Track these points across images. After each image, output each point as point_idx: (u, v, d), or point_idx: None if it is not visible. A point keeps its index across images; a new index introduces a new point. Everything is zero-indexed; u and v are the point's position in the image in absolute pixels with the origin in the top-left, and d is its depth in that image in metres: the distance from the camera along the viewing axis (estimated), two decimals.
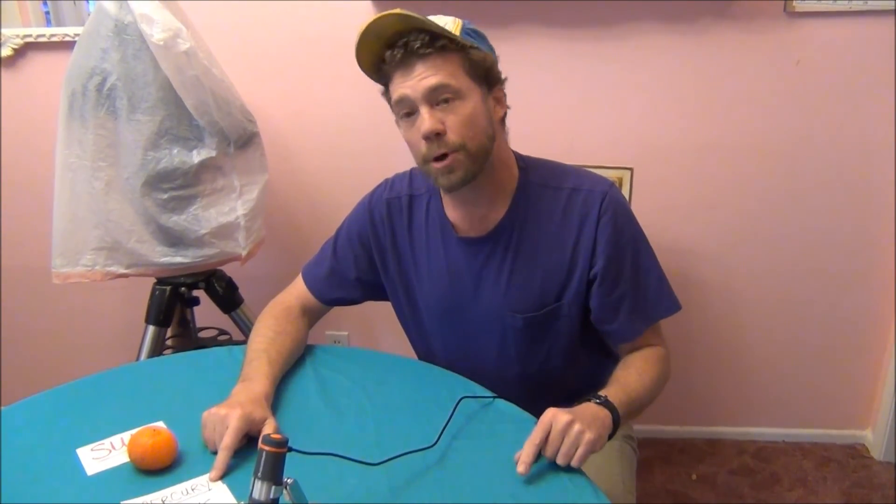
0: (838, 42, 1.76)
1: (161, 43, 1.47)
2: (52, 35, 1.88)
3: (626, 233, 1.20)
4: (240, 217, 1.67)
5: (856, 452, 2.12)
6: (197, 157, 1.59)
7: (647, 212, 1.50)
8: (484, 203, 1.20)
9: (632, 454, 1.34)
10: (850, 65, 1.78)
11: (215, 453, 0.99)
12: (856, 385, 2.10)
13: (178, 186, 1.60)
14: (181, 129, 1.57)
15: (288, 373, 1.22)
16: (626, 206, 1.22)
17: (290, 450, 0.84)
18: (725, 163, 1.89)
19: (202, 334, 1.99)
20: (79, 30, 1.72)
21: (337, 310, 1.39)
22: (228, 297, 1.82)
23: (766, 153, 1.88)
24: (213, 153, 1.60)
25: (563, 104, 1.88)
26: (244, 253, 1.69)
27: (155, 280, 1.77)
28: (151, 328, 1.75)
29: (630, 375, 1.16)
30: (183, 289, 1.78)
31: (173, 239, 1.63)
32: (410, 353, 1.40)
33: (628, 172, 1.75)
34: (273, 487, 0.82)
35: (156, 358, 1.64)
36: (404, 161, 1.27)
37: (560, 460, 0.97)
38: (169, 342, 1.88)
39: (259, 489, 0.82)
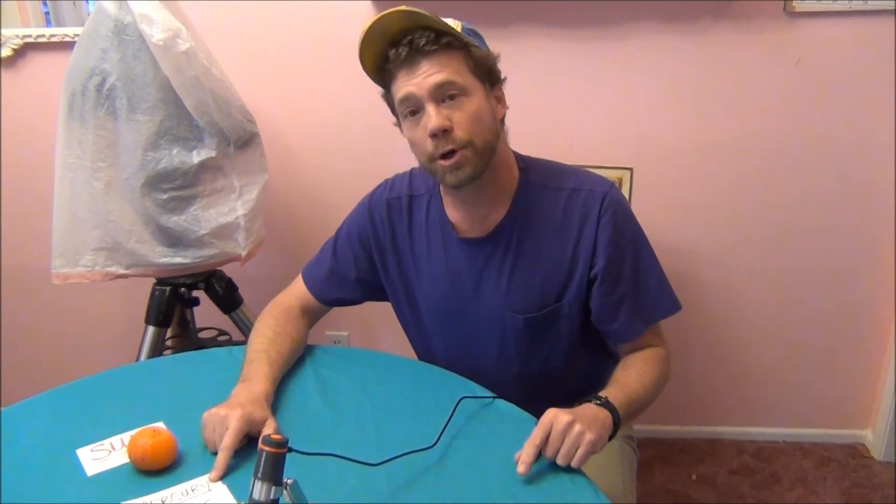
0: (838, 42, 1.76)
1: (161, 43, 1.47)
2: (52, 35, 1.88)
3: (627, 233, 1.20)
4: (240, 217, 1.67)
5: (856, 452, 2.12)
6: (197, 157, 1.59)
7: (647, 212, 1.50)
8: (485, 203, 1.20)
9: (632, 454, 1.34)
10: (850, 65, 1.78)
11: (215, 454, 0.99)
12: (856, 385, 2.10)
13: (177, 187, 1.60)
14: (181, 130, 1.57)
15: (288, 373, 1.22)
16: (626, 207, 1.22)
17: (290, 450, 0.84)
18: (725, 163, 1.89)
19: (202, 335, 1.99)
20: (78, 30, 1.72)
21: (337, 310, 1.39)
22: (228, 297, 1.82)
23: (766, 153, 1.88)
24: (213, 153, 1.60)
25: (563, 104, 1.88)
26: (244, 253, 1.69)
27: (155, 280, 1.77)
28: (151, 328, 1.75)
29: (630, 376, 1.16)
30: (183, 289, 1.78)
31: (173, 239, 1.63)
32: (410, 353, 1.40)
33: (628, 172, 1.76)
34: (273, 488, 0.82)
35: (156, 358, 1.64)
36: (404, 161, 1.28)
37: (560, 461, 0.97)
38: (169, 342, 1.88)
39: (259, 489, 0.82)
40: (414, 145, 1.14)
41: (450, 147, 1.09)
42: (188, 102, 1.54)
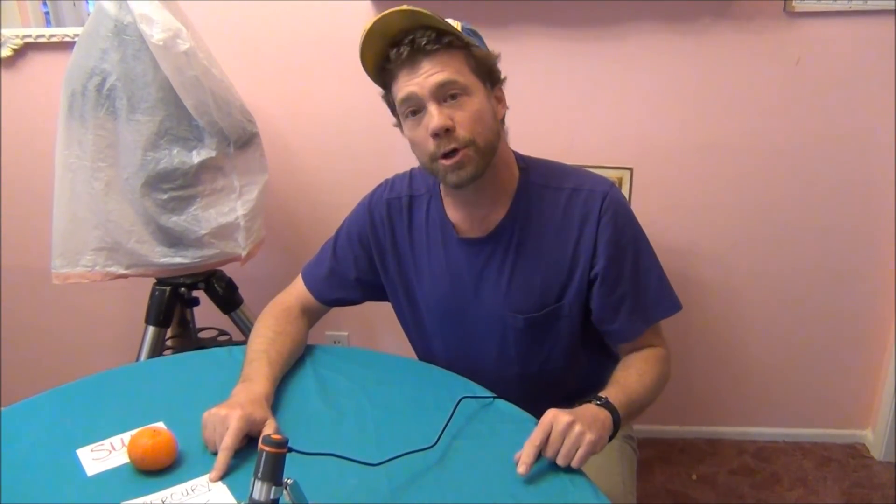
0: (838, 42, 1.76)
1: (161, 43, 1.47)
2: (52, 35, 1.88)
3: (627, 233, 1.19)
4: (239, 217, 1.67)
5: (856, 452, 2.12)
6: (197, 157, 1.59)
7: (647, 212, 1.50)
8: (485, 203, 1.20)
9: (632, 454, 1.34)
10: (850, 65, 1.78)
11: (215, 454, 0.99)
12: (856, 385, 2.10)
13: (177, 187, 1.60)
14: (181, 130, 1.57)
15: (288, 373, 1.22)
16: (626, 207, 1.22)
17: (290, 450, 0.84)
18: (725, 163, 1.89)
19: (202, 335, 1.99)
20: (78, 30, 1.72)
21: (337, 310, 1.39)
22: (228, 297, 1.82)
23: (766, 153, 1.88)
24: (213, 153, 1.60)
25: (563, 104, 1.88)
26: (244, 253, 1.69)
27: (155, 280, 1.77)
28: (151, 329, 1.75)
29: (630, 376, 1.16)
30: (183, 289, 1.78)
31: (173, 239, 1.63)
32: (410, 353, 1.40)
33: (628, 172, 1.76)
34: (273, 488, 0.82)
35: (156, 358, 1.64)
36: (404, 161, 1.28)
37: (560, 461, 0.97)
38: (169, 343, 1.88)
39: (259, 489, 0.82)
40: (415, 145, 1.14)
41: (452, 146, 1.08)
42: (188, 102, 1.54)
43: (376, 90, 1.18)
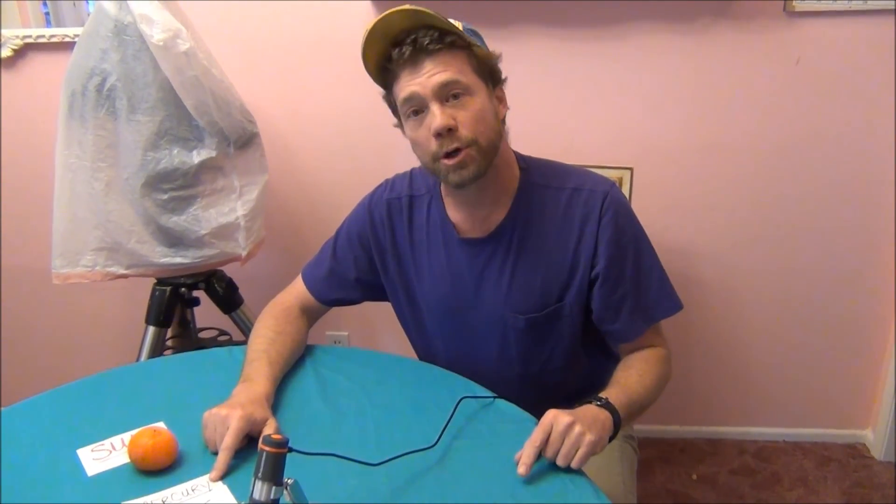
0: (838, 42, 1.76)
1: (161, 43, 1.47)
2: (52, 36, 1.88)
3: (628, 233, 1.19)
4: (240, 217, 1.67)
5: (856, 452, 2.12)
6: (197, 157, 1.59)
7: (647, 212, 1.50)
8: (486, 203, 1.20)
9: (632, 454, 1.34)
10: (850, 65, 1.78)
11: (216, 454, 0.99)
12: (856, 385, 2.10)
13: (178, 187, 1.60)
14: (181, 130, 1.57)
15: (288, 373, 1.22)
16: (627, 206, 1.22)
17: (291, 450, 0.84)
18: (725, 163, 1.89)
19: (202, 335, 1.99)
20: (78, 30, 1.72)
21: (337, 310, 1.39)
22: (228, 297, 1.82)
23: (766, 153, 1.88)
24: (213, 153, 1.60)
25: (563, 104, 1.88)
26: (244, 253, 1.69)
27: (155, 280, 1.77)
28: (151, 329, 1.75)
29: (631, 377, 1.16)
30: (183, 289, 1.78)
31: (173, 239, 1.63)
32: (410, 353, 1.40)
33: (628, 172, 1.76)
34: (273, 488, 0.82)
35: (156, 358, 1.64)
36: (404, 161, 1.28)
37: (560, 461, 0.97)
38: (169, 343, 1.88)
39: (259, 490, 0.82)
40: (417, 145, 1.14)
41: (454, 146, 1.08)
42: (188, 103, 1.54)
43: (376, 90, 1.18)
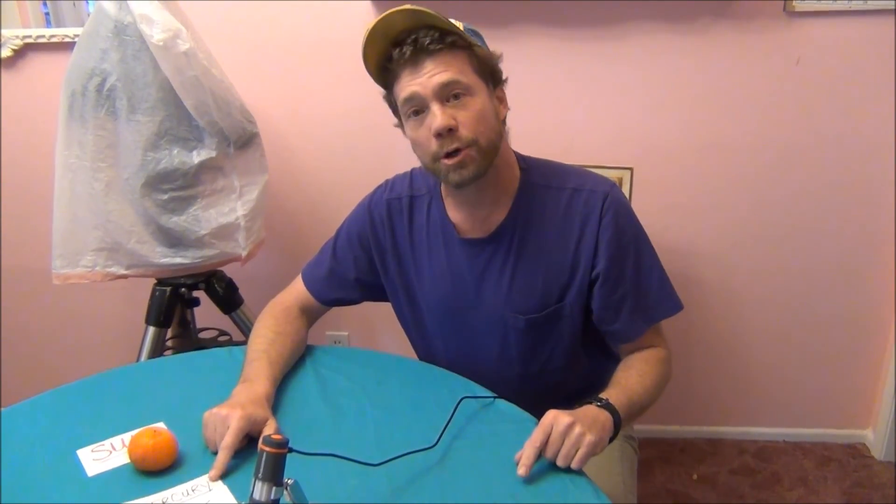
0: (838, 42, 1.76)
1: (161, 43, 1.47)
2: (52, 36, 1.88)
3: (628, 233, 1.19)
4: (240, 217, 1.67)
5: (856, 452, 2.12)
6: (197, 157, 1.59)
7: (647, 212, 1.50)
8: (487, 204, 1.20)
9: (632, 454, 1.34)
10: (850, 65, 1.78)
11: (216, 454, 0.99)
12: (856, 385, 2.10)
13: (177, 187, 1.60)
14: (181, 130, 1.57)
15: (288, 373, 1.22)
16: (627, 207, 1.22)
17: (291, 450, 0.84)
18: (725, 163, 1.89)
19: (202, 335, 1.99)
20: (78, 30, 1.72)
21: (337, 310, 1.39)
22: (228, 297, 1.82)
23: (765, 153, 1.88)
24: (213, 153, 1.60)
25: (564, 104, 1.88)
26: (244, 253, 1.69)
27: (155, 281, 1.77)
28: (152, 329, 1.75)
29: (631, 377, 1.16)
30: (183, 289, 1.78)
31: (173, 240, 1.63)
32: (410, 353, 1.40)
33: (628, 172, 1.76)
34: (273, 488, 0.82)
35: (156, 359, 1.64)
36: (404, 161, 1.28)
37: (560, 462, 0.97)
38: (169, 343, 1.88)
39: (259, 490, 0.82)
40: (417, 145, 1.14)
41: (455, 146, 1.08)
42: (188, 103, 1.54)
43: (376, 90, 1.18)
